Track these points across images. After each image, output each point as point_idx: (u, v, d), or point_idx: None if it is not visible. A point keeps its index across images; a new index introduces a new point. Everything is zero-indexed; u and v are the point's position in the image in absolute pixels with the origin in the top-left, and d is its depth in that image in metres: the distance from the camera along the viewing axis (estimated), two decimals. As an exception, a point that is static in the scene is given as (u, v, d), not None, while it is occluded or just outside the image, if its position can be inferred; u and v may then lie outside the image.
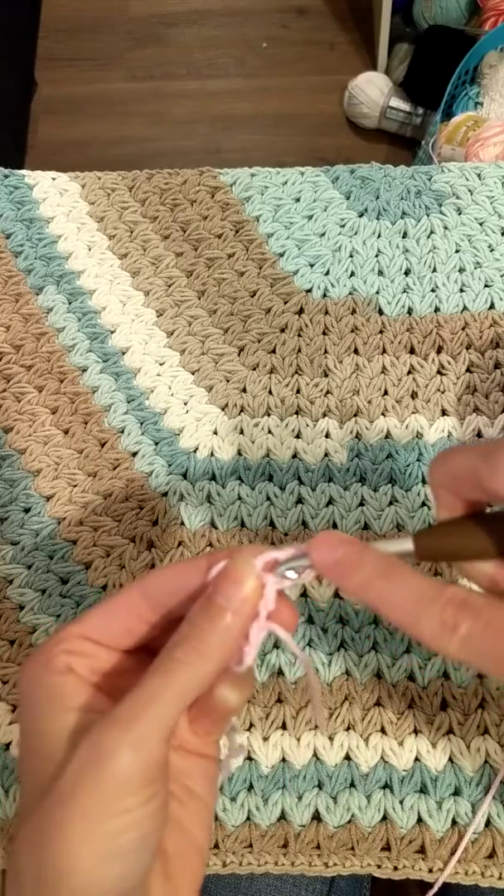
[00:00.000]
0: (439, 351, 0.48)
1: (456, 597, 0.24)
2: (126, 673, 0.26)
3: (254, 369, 0.49)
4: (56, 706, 0.24)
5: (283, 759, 0.41)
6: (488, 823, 0.40)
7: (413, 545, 0.27)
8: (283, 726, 0.41)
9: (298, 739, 0.41)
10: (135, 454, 0.47)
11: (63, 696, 0.25)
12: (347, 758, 0.41)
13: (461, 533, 0.28)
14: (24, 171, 0.54)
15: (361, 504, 0.45)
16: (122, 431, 0.47)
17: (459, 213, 0.51)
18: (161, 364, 0.49)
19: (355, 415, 0.47)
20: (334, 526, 0.45)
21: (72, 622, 0.26)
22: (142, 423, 0.48)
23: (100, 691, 0.25)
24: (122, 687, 0.25)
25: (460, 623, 0.23)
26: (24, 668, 0.25)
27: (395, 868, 0.39)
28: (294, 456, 0.47)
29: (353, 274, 0.50)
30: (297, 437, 0.47)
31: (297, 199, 0.52)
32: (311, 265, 0.50)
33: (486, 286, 0.49)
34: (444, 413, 0.47)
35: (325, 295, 0.50)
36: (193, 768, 0.27)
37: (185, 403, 0.48)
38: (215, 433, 0.47)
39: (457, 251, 0.50)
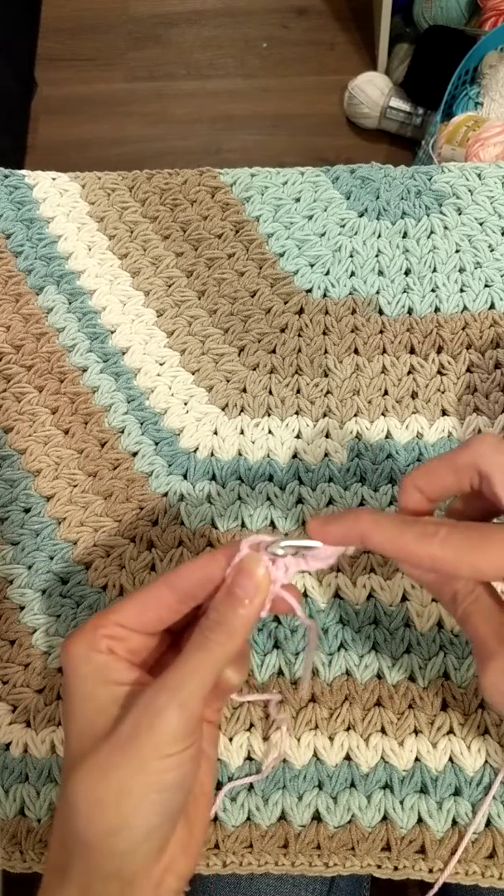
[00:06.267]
0: (439, 351, 0.48)
1: (432, 518, 0.32)
2: (152, 649, 0.33)
3: (254, 369, 0.49)
4: (102, 678, 0.31)
5: (284, 760, 0.41)
6: (489, 823, 0.40)
7: None
8: (284, 726, 0.41)
9: (298, 740, 0.41)
10: (135, 454, 0.47)
11: (108, 670, 0.31)
12: (348, 758, 0.41)
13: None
14: (24, 172, 0.54)
15: (361, 504, 0.45)
16: (122, 431, 0.47)
17: (459, 213, 0.51)
18: (161, 364, 0.49)
19: (355, 415, 0.47)
20: (334, 526, 0.45)
21: (108, 611, 0.32)
22: (142, 424, 0.48)
23: (134, 665, 0.32)
24: (149, 660, 0.33)
25: (440, 529, 0.30)
26: (69, 647, 0.31)
27: (396, 868, 0.39)
28: (294, 456, 0.47)
29: (353, 274, 0.50)
30: (298, 437, 0.47)
31: (298, 199, 0.52)
32: (312, 265, 0.50)
33: (486, 286, 0.49)
34: (444, 413, 0.47)
35: (325, 295, 0.50)
36: (203, 731, 0.32)
37: (186, 403, 0.48)
38: (215, 433, 0.47)
39: (457, 251, 0.50)
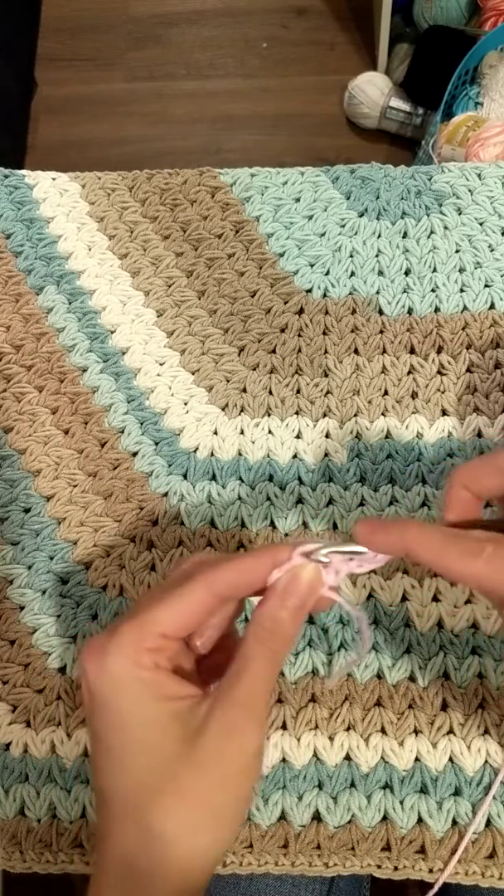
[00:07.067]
0: (439, 351, 0.48)
1: (479, 533, 0.30)
2: (181, 650, 0.32)
3: (254, 369, 0.49)
4: (155, 696, 0.29)
5: (283, 759, 0.41)
6: (488, 823, 0.40)
7: None
8: (284, 726, 0.41)
9: (298, 739, 0.41)
10: (135, 454, 0.47)
11: (159, 686, 0.29)
12: (348, 758, 0.41)
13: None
14: (24, 172, 0.54)
15: (361, 504, 0.45)
16: (123, 431, 0.47)
17: (459, 213, 0.51)
18: (161, 364, 0.49)
19: (355, 415, 0.47)
20: (334, 527, 0.45)
21: (145, 621, 0.30)
22: (142, 424, 0.48)
23: (175, 674, 0.30)
24: (181, 662, 0.31)
25: (486, 546, 0.29)
26: (108, 666, 0.29)
27: (396, 868, 0.39)
28: (294, 456, 0.47)
29: (353, 274, 0.50)
30: (298, 437, 0.47)
31: (298, 199, 0.52)
32: (311, 265, 0.50)
33: (486, 286, 0.49)
34: (444, 413, 0.47)
35: (325, 295, 0.50)
36: None
37: (186, 403, 0.48)
38: (215, 433, 0.47)
39: (457, 251, 0.50)
